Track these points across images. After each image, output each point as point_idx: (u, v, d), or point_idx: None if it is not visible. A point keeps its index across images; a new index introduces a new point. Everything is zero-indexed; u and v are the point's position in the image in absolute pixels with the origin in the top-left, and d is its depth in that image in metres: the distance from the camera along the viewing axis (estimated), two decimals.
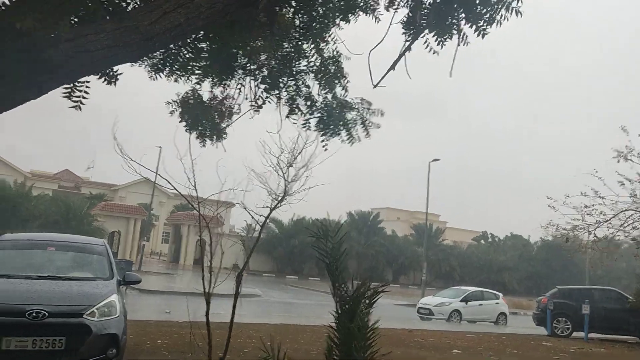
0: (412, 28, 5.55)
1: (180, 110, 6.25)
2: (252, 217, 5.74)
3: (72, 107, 4.29)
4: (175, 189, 5.42)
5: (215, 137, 6.28)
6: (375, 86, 5.24)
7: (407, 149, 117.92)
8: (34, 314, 5.99)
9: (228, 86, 6.30)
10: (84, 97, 4.26)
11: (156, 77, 5.65)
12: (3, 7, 3.36)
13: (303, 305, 22.98)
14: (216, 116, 6.15)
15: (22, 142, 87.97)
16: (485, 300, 24.37)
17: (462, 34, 5.42)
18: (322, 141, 6.15)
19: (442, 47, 5.48)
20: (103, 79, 4.73)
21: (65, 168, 63.65)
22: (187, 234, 47.99)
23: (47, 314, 6.04)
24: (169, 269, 42.37)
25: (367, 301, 4.60)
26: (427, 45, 5.53)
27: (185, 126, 6.19)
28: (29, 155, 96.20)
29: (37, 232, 28.36)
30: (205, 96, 6.52)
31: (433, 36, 5.46)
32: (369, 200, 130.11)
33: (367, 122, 6.74)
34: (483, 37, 5.25)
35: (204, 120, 6.20)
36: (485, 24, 5.22)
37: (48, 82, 3.42)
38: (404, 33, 5.64)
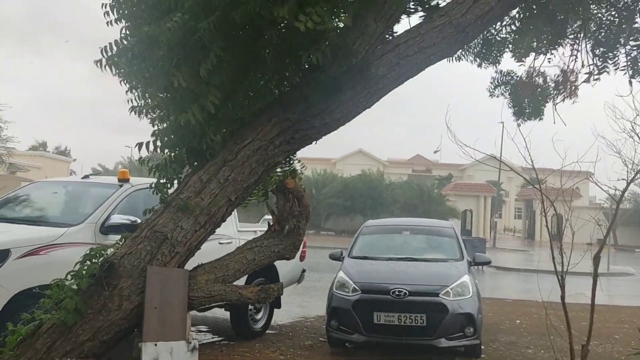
0: None
1: (501, 90, 6.02)
2: (606, 192, 5.06)
3: None
4: (511, 168, 5.23)
5: (533, 116, 5.83)
6: None
7: None
8: (397, 292, 6.66)
9: (550, 60, 5.76)
10: None
11: (482, 65, 5.58)
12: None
13: None
14: (538, 93, 5.69)
15: (379, 134, 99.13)
16: None
17: None
18: None
19: None
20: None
21: (416, 153, 68.75)
22: (540, 209, 45.84)
23: (407, 292, 6.64)
24: (524, 245, 41.37)
25: None
26: None
27: (511, 106, 5.94)
28: (385, 144, 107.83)
29: (397, 215, 31.59)
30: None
31: None
32: None
33: None
34: None
35: (525, 98, 5.81)
36: None
37: (378, 92, 3.75)
38: None
